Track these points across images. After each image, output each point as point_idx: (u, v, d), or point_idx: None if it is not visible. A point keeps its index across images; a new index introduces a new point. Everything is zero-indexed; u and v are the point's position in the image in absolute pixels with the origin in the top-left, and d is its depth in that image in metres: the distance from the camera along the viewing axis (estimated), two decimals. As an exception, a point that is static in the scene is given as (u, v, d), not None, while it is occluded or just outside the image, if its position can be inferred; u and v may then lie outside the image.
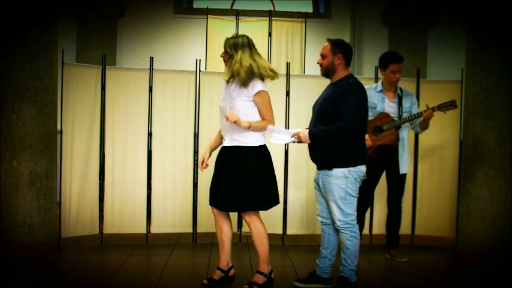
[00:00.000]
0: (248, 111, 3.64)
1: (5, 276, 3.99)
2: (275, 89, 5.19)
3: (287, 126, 5.06)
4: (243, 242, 5.17)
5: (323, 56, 3.76)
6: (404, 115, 4.60)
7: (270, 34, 6.89)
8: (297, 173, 5.23)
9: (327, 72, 3.78)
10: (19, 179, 4.47)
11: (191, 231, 5.20)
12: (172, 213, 5.17)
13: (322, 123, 3.64)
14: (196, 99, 5.13)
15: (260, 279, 3.66)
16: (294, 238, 5.31)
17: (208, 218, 5.14)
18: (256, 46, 3.72)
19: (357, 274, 3.72)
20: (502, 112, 4.57)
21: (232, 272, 3.82)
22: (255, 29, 6.90)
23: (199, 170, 5.11)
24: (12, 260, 4.34)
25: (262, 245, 3.66)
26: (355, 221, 3.68)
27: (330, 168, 3.63)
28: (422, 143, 5.24)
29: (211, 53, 6.92)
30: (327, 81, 5.27)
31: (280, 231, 5.21)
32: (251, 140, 3.63)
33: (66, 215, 4.87)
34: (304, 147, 5.27)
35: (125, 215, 5.11)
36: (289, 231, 5.25)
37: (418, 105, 4.77)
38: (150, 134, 5.11)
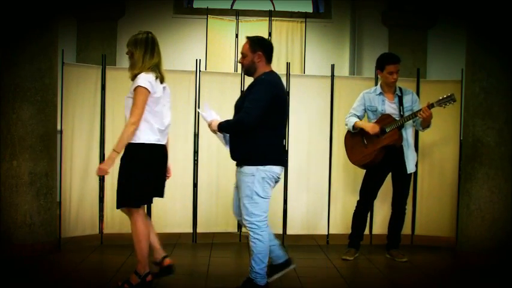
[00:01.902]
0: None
1: (5, 276, 3.99)
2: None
3: (287, 126, 5.05)
4: (243, 242, 5.18)
5: (243, 55, 3.65)
6: (407, 114, 4.60)
7: (270, 34, 6.89)
8: (297, 173, 5.23)
9: (248, 70, 3.66)
10: (19, 179, 4.47)
11: (191, 231, 5.19)
12: (172, 213, 5.16)
13: None
14: (196, 99, 5.13)
15: (134, 279, 3.58)
16: (294, 238, 5.31)
17: (208, 218, 5.16)
18: None
19: (357, 274, 3.71)
20: (502, 112, 4.57)
21: (167, 261, 3.71)
22: (255, 29, 6.89)
23: (198, 170, 5.16)
24: (12, 260, 4.34)
25: (137, 244, 3.59)
26: (262, 223, 3.53)
27: (240, 165, 3.57)
28: (422, 144, 5.24)
29: (211, 53, 6.92)
30: (326, 81, 5.33)
31: (280, 231, 5.20)
32: (135, 137, 3.54)
33: (66, 215, 4.87)
34: (306, 148, 5.30)
35: (125, 215, 5.08)
36: (289, 231, 5.25)
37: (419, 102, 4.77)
38: (150, 134, 5.10)
